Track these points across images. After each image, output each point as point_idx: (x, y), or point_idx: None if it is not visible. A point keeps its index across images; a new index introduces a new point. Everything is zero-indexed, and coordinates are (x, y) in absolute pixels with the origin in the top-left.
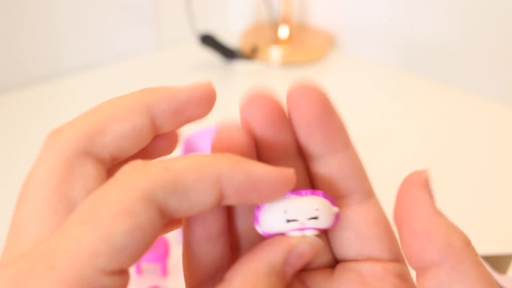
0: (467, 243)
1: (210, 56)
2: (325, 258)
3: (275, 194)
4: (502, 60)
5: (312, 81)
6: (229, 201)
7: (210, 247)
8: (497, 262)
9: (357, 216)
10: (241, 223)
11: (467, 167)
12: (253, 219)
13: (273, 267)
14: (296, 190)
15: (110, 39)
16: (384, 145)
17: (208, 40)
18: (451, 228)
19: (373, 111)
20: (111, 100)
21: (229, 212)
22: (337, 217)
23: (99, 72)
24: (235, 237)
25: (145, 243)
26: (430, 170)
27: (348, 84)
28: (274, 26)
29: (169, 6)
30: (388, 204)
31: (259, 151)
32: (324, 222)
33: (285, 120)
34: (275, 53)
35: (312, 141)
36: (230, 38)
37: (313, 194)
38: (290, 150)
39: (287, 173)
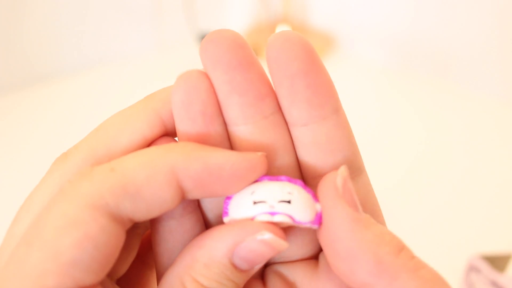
0: (399, 249)
1: None
2: (308, 248)
3: (241, 183)
4: (503, 60)
5: (295, 32)
6: (193, 195)
7: (175, 226)
8: (497, 261)
9: None
10: (209, 201)
11: (467, 167)
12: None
13: (213, 258)
14: (273, 176)
15: (110, 39)
16: (384, 145)
17: None
18: (378, 238)
19: (373, 111)
20: (116, 116)
21: None
22: (319, 216)
23: (99, 72)
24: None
25: (102, 254)
26: (345, 168)
27: (348, 84)
28: (274, 26)
29: (169, 7)
30: (388, 204)
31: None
32: (299, 212)
33: (256, 62)
34: None
35: (296, 102)
36: None
37: (290, 181)
38: (267, 103)
39: (253, 158)
